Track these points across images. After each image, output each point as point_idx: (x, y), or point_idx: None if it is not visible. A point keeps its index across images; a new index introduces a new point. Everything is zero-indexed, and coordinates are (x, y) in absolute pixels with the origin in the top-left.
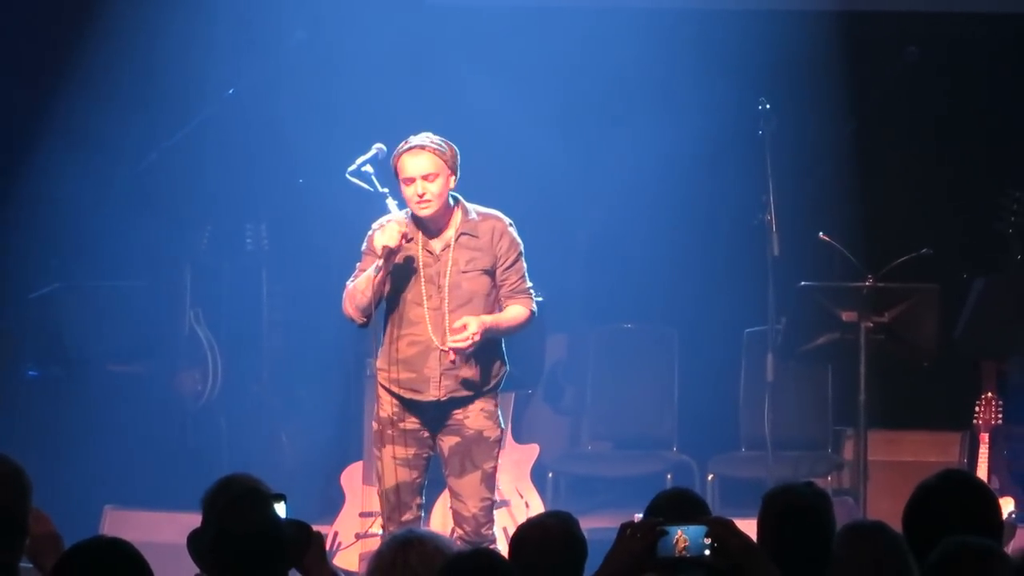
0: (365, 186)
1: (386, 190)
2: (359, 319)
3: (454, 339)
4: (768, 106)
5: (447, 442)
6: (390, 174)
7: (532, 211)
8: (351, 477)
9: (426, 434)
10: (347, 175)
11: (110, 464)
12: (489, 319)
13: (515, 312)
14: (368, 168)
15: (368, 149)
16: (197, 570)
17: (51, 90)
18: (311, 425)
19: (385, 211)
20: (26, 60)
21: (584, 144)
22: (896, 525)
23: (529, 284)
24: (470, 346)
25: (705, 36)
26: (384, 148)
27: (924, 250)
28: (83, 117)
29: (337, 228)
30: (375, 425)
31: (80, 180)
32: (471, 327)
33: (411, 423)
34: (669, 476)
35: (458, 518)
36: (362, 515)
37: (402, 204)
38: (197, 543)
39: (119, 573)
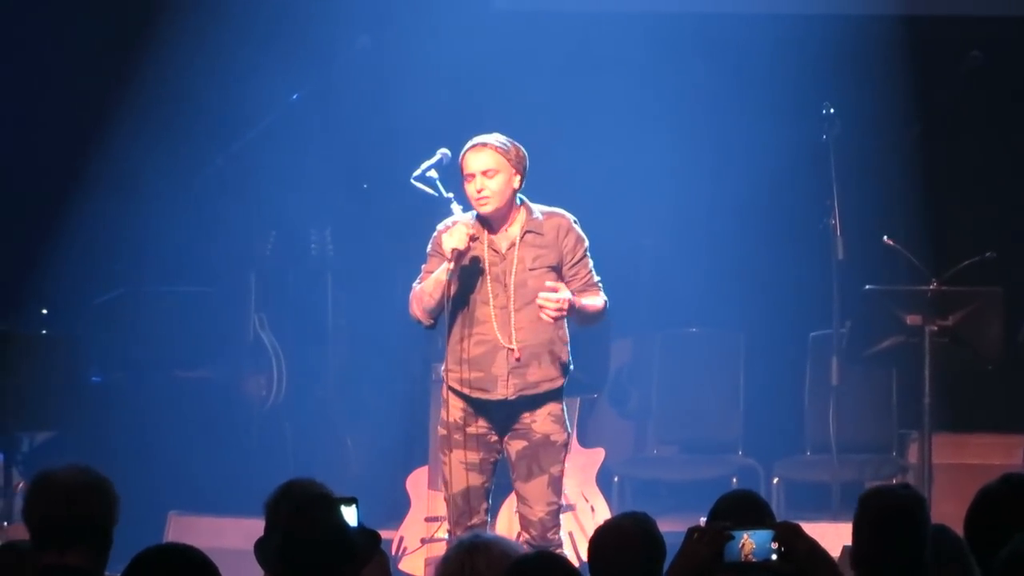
0: (430, 191)
1: (451, 195)
2: (426, 321)
3: (545, 296)
4: (832, 110)
5: (514, 446)
6: (455, 179)
7: (598, 215)
8: (416, 482)
9: (494, 438)
10: (412, 180)
11: (175, 470)
12: (578, 299)
13: (595, 300)
14: (433, 173)
15: (433, 154)
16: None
17: (118, 98)
18: (376, 430)
19: (450, 215)
20: (94, 68)
21: (650, 148)
22: (961, 528)
23: (598, 278)
24: (557, 311)
25: (769, 41)
26: (449, 153)
27: (988, 254)
28: (149, 125)
29: (402, 233)
30: (441, 430)
31: (145, 186)
32: (564, 292)
33: (479, 427)
34: (734, 480)
35: (524, 522)
36: (428, 520)
37: (467, 207)
38: (264, 549)
39: None
